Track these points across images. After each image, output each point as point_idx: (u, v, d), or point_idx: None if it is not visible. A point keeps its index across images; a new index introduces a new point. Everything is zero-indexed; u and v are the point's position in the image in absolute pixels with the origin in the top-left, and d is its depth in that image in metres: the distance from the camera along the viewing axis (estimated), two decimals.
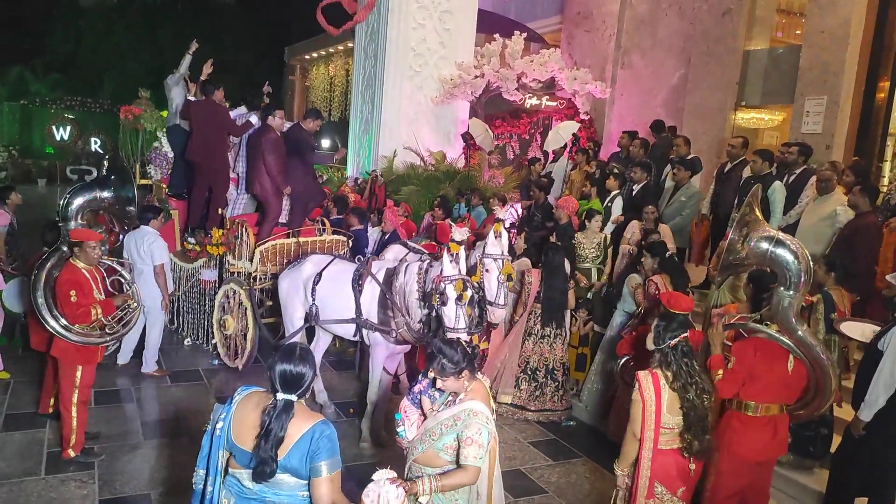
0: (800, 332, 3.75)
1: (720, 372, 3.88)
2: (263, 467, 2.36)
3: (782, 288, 3.72)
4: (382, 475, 2.54)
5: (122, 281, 5.20)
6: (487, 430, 2.86)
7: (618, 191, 7.52)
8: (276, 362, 2.45)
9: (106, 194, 5.15)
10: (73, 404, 4.68)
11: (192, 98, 7.55)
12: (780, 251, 3.69)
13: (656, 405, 3.32)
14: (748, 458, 3.89)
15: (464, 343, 3.10)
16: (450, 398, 3.02)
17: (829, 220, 6.14)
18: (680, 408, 3.30)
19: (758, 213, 3.90)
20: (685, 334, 3.37)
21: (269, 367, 2.46)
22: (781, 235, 3.78)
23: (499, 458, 3.10)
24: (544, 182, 8.57)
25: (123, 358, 6.52)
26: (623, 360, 4.94)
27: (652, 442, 3.34)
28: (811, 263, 3.76)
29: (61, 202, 4.98)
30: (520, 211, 9.10)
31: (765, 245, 3.74)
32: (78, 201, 4.94)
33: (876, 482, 4.05)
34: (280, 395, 2.41)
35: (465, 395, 2.95)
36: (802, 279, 3.66)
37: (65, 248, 4.78)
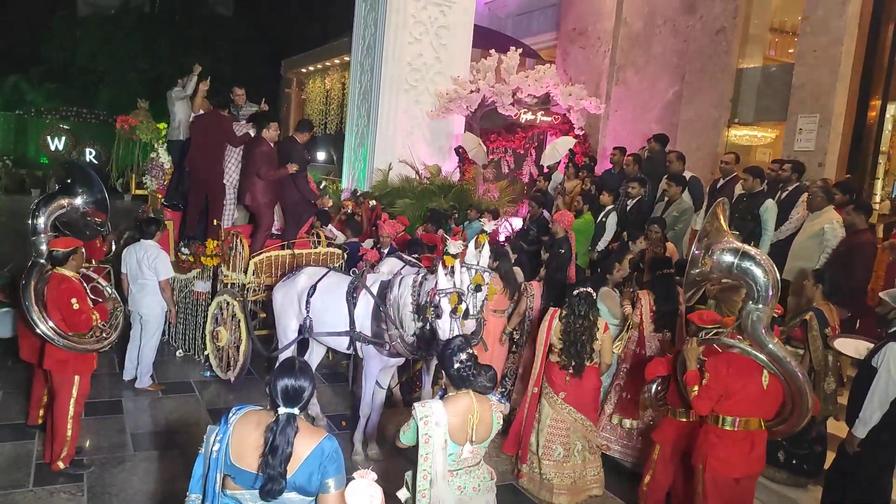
0: (770, 346, 3.72)
1: (696, 388, 3.86)
2: (273, 485, 2.33)
3: (751, 302, 3.68)
4: (365, 475, 2.53)
5: (100, 286, 5.20)
6: (423, 428, 3.05)
7: (612, 206, 7.54)
8: (276, 377, 2.43)
9: (78, 201, 5.09)
10: (71, 417, 4.62)
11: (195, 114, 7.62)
12: (747, 264, 3.65)
13: (547, 329, 4.83)
14: (725, 473, 3.86)
15: (466, 358, 3.16)
16: None
17: (817, 237, 6.16)
18: (560, 333, 4.67)
19: (722, 223, 3.82)
20: (586, 289, 4.69)
21: (269, 382, 2.45)
22: (747, 248, 3.74)
23: (444, 463, 3.11)
24: (539, 196, 8.60)
25: (128, 374, 6.43)
26: (656, 384, 4.58)
27: (542, 354, 4.88)
28: (778, 277, 3.72)
29: (29, 219, 4.89)
30: (513, 225, 9.12)
31: (729, 258, 3.69)
32: (45, 214, 4.89)
33: (870, 500, 4.04)
34: (282, 410, 2.40)
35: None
36: (770, 293, 3.63)
37: (42, 261, 4.74)
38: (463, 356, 3.18)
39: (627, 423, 5.27)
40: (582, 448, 4.80)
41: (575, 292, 4.70)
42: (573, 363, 4.66)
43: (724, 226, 3.83)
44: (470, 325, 4.57)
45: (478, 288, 4.46)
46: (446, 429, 3.07)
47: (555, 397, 4.78)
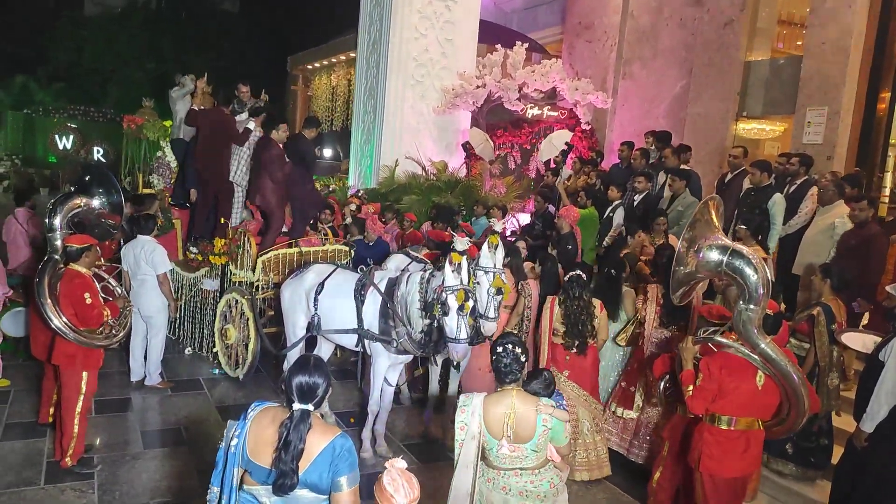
0: (762, 346, 3.64)
1: (690, 388, 3.81)
2: (284, 480, 2.35)
3: (741, 302, 3.59)
4: (396, 462, 2.46)
5: (111, 286, 5.26)
6: (460, 416, 3.19)
7: (619, 201, 7.52)
8: (291, 374, 2.46)
9: (95, 203, 5.19)
10: (78, 413, 4.67)
11: (196, 108, 7.61)
12: (737, 263, 3.53)
13: (550, 314, 5.12)
14: (719, 472, 3.83)
15: (501, 351, 3.23)
16: None
17: (827, 231, 6.14)
18: (562, 317, 5.00)
19: (713, 218, 3.70)
20: (577, 273, 5.03)
21: (284, 379, 2.47)
22: (737, 246, 3.63)
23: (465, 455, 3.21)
24: (547, 192, 8.58)
25: (136, 375, 6.45)
26: (664, 380, 4.50)
27: (548, 336, 5.15)
28: (769, 275, 3.62)
29: (46, 218, 4.98)
30: (520, 221, 9.11)
31: (716, 255, 3.57)
32: (62, 212, 4.96)
33: (879, 494, 4.03)
34: (296, 406, 2.41)
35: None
36: (761, 292, 3.52)
37: (56, 258, 4.80)
38: (499, 349, 3.23)
39: (620, 411, 5.34)
40: (590, 427, 5.07)
41: (567, 277, 5.09)
42: (576, 342, 4.99)
43: (716, 222, 3.71)
44: (490, 327, 4.59)
45: (499, 291, 4.49)
46: (481, 420, 3.14)
47: (559, 376, 5.00)
